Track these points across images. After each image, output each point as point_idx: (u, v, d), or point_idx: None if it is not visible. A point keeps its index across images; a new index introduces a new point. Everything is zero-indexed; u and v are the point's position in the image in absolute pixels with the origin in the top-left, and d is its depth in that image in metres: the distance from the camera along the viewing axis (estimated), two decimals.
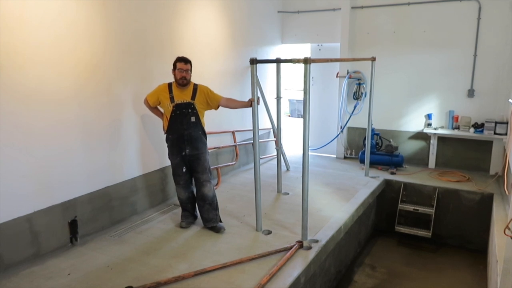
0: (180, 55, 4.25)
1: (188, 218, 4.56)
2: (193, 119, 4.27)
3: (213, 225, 4.37)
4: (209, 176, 4.42)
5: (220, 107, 4.51)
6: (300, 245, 3.95)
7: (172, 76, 4.26)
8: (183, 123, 4.24)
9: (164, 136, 4.45)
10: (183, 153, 4.31)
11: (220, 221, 4.45)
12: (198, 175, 4.38)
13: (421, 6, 6.72)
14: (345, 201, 5.35)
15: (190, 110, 4.25)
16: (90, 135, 4.22)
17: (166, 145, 4.41)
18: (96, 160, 4.32)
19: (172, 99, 4.21)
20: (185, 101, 4.24)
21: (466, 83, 6.59)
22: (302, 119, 3.93)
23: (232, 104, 4.53)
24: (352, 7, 7.22)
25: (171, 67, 4.23)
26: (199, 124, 4.34)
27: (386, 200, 6.42)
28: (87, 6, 4.03)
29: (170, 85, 4.28)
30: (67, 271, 3.57)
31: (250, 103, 4.24)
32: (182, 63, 4.16)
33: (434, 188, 6.05)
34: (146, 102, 4.42)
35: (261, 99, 4.52)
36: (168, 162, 5.19)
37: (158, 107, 4.43)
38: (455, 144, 6.81)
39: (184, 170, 4.39)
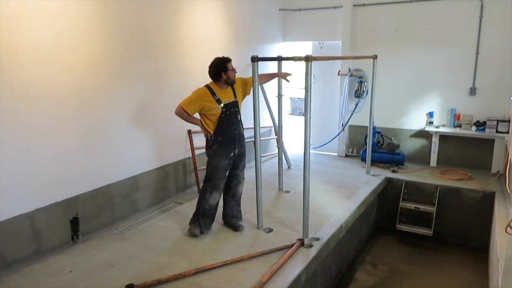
0: (222, 56, 4.07)
1: (208, 227, 4.26)
2: (239, 117, 4.22)
3: (237, 221, 4.37)
4: (244, 173, 4.42)
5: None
6: (301, 243, 3.95)
7: (213, 80, 4.06)
8: (233, 123, 4.14)
9: (203, 141, 4.24)
10: (232, 154, 4.16)
11: None
12: (238, 172, 4.33)
13: (422, 4, 6.69)
14: (346, 199, 5.35)
15: (236, 109, 4.17)
16: (91, 133, 4.22)
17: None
18: (97, 158, 4.32)
19: (218, 101, 4.01)
20: (231, 100, 4.13)
21: (468, 81, 6.57)
22: (303, 117, 3.92)
23: (263, 79, 4.57)
24: (353, 5, 7.19)
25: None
26: (241, 122, 4.29)
27: (387, 198, 6.41)
28: (88, 5, 4.02)
29: (209, 88, 4.04)
30: (68, 268, 3.58)
31: (277, 75, 4.44)
32: (231, 63, 4.06)
33: (436, 186, 6.04)
34: (183, 111, 3.99)
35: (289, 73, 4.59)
36: (168, 161, 5.15)
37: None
38: (456, 142, 6.80)
39: (227, 173, 4.21)
